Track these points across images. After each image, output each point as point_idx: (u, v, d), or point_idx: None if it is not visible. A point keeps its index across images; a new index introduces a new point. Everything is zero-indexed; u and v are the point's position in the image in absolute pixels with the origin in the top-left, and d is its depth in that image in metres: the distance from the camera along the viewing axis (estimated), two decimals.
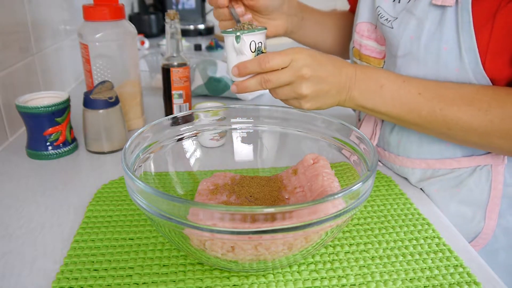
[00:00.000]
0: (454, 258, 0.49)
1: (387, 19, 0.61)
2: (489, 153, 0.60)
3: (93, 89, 0.74)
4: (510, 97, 0.52)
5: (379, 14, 0.62)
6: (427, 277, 0.46)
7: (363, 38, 0.67)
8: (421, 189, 0.66)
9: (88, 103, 0.73)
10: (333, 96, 0.57)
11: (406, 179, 0.68)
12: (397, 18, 0.59)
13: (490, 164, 0.61)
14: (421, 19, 0.56)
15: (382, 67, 0.64)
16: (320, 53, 0.57)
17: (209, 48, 1.60)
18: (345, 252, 0.50)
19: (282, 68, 0.54)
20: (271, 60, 0.53)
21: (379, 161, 0.72)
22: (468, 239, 0.63)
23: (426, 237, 0.53)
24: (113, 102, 0.74)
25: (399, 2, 0.61)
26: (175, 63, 0.86)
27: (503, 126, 0.52)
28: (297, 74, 0.54)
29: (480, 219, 0.62)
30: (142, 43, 1.63)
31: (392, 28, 0.59)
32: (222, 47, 1.62)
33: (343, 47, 0.84)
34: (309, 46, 0.82)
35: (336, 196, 0.38)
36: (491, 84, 0.55)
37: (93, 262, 0.48)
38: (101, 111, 0.73)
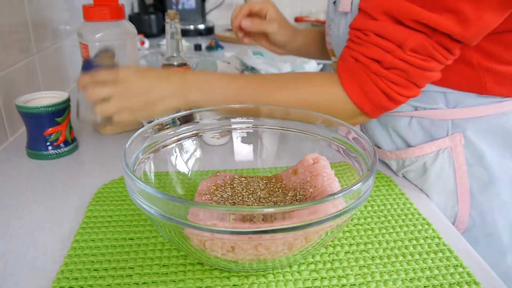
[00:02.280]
0: (454, 258, 0.49)
1: (328, 24, 0.69)
2: (446, 136, 0.63)
3: (94, 56, 0.69)
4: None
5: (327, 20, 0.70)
6: (427, 277, 0.46)
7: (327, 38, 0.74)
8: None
9: (87, 68, 0.66)
10: (164, 101, 0.59)
11: (405, 177, 0.69)
12: (330, 25, 0.68)
13: (450, 147, 0.63)
14: (337, 25, 0.65)
15: None
16: (147, 69, 0.62)
17: (209, 48, 1.60)
18: (345, 252, 0.50)
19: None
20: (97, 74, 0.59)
21: None
22: None
23: (426, 237, 0.53)
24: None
25: (335, 7, 0.66)
26: (175, 63, 0.86)
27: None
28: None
29: (453, 203, 0.64)
30: (142, 43, 1.63)
31: (330, 35, 0.68)
32: (222, 47, 1.62)
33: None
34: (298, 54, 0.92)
35: (336, 196, 0.38)
36: None
37: (93, 262, 0.48)
38: None
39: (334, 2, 0.66)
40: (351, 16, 0.61)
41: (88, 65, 0.68)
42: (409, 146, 0.66)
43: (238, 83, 0.61)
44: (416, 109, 0.64)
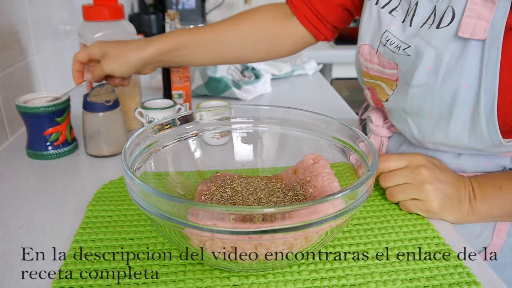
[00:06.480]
0: (454, 258, 0.49)
1: (397, 45, 0.57)
2: (502, 170, 0.59)
3: (90, 91, 0.73)
4: None
5: (387, 40, 0.58)
6: (427, 277, 0.46)
7: (367, 62, 0.64)
8: None
9: (86, 105, 0.72)
10: (455, 206, 0.55)
11: None
12: (410, 46, 0.55)
13: None
14: (439, 50, 0.52)
15: (394, 90, 0.61)
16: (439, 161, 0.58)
17: None
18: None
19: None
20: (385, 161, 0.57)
21: None
22: None
23: (426, 237, 0.53)
24: (111, 106, 0.72)
25: (410, 25, 0.56)
26: None
27: None
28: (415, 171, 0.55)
29: (487, 236, 0.62)
30: None
31: (410, 56, 0.55)
32: None
33: (271, 51, 0.80)
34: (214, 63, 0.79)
35: (336, 196, 0.38)
36: (499, 133, 0.52)
37: (93, 262, 0.48)
38: (100, 114, 0.72)
39: (433, 16, 0.54)
40: (481, 44, 0.49)
41: (86, 101, 0.72)
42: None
43: None
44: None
